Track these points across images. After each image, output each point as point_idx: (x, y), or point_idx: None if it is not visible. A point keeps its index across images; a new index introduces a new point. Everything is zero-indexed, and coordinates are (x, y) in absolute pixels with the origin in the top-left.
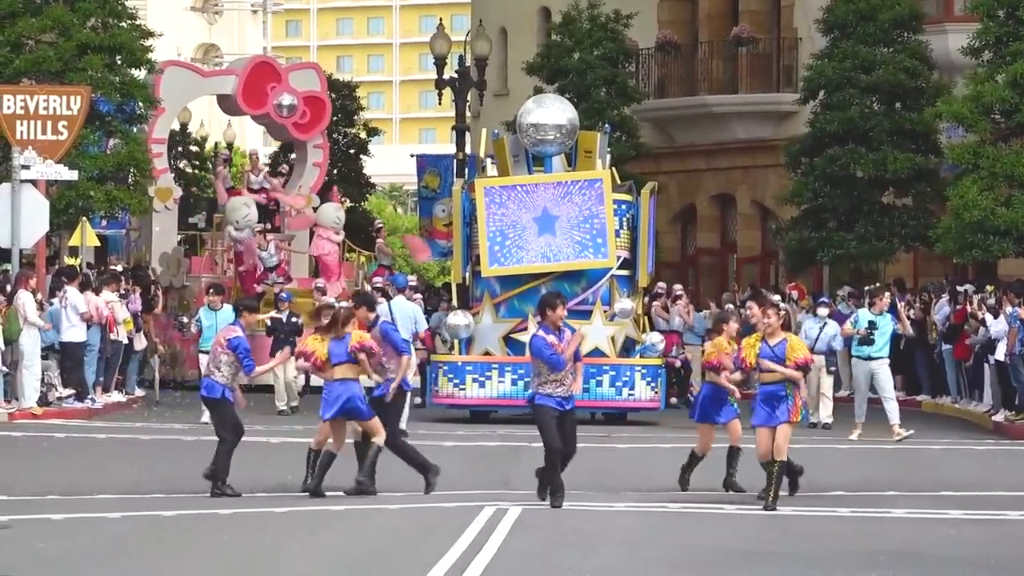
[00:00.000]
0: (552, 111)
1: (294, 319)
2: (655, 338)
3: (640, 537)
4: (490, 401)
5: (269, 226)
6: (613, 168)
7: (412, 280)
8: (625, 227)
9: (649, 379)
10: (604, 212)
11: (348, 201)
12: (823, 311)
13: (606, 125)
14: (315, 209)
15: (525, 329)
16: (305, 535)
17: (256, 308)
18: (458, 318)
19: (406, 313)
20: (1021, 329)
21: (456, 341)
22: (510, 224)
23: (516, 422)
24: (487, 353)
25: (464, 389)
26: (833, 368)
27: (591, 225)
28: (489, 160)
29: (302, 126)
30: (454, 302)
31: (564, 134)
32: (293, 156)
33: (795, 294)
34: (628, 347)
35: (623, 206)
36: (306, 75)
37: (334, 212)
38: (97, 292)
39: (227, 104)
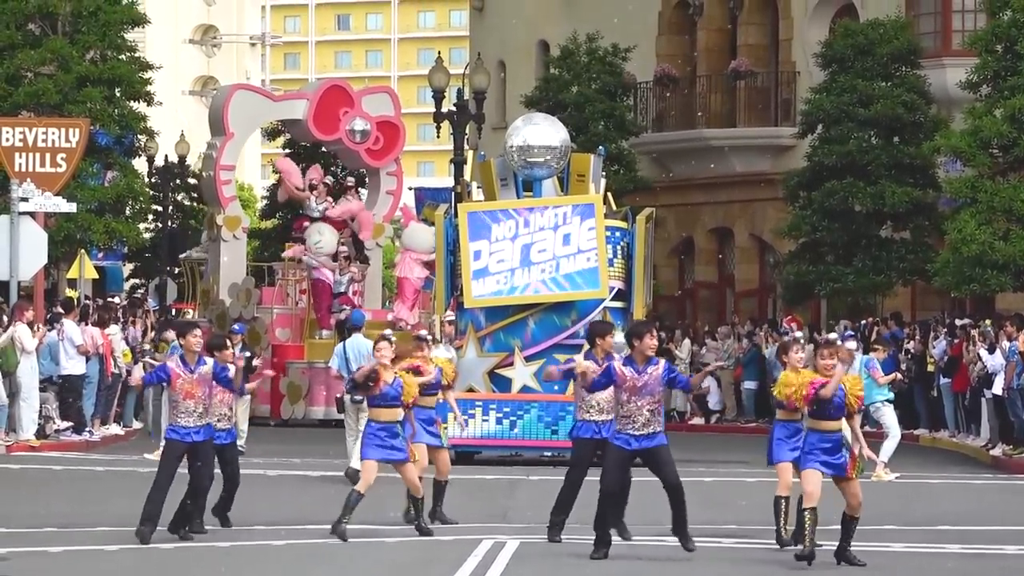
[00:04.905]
0: (543, 131)
1: (246, 354)
2: None
3: (637, 570)
4: (474, 441)
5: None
6: (609, 193)
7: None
8: (619, 256)
9: None
10: (596, 240)
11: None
12: (851, 344)
13: (600, 148)
14: (392, 238)
15: (511, 364)
16: (303, 569)
17: (224, 346)
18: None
19: (360, 351)
20: (1020, 363)
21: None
22: (496, 252)
23: (504, 463)
24: (471, 389)
25: (446, 428)
26: None
27: (582, 253)
28: (475, 185)
29: (375, 152)
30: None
31: (556, 156)
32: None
33: (793, 327)
34: None
35: (617, 233)
36: (380, 100)
37: (428, 236)
38: (99, 324)
39: (297, 130)
